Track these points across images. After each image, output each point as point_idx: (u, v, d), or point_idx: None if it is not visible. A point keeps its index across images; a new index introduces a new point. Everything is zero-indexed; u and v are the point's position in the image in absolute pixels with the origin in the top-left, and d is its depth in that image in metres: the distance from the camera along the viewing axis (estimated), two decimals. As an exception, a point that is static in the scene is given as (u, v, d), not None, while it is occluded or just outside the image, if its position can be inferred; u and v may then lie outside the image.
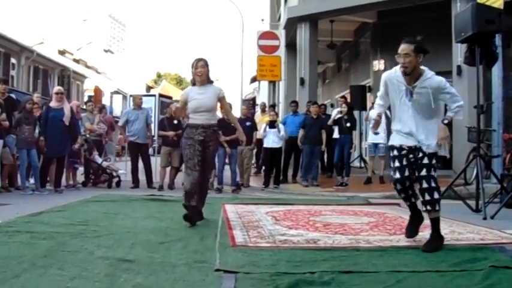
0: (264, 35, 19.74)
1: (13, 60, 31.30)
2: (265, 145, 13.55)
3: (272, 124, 13.39)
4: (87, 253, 4.71)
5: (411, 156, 5.38)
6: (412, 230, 5.64)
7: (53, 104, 11.41)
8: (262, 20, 28.89)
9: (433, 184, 5.23)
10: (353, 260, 4.60)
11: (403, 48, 5.29)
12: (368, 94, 18.66)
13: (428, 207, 5.27)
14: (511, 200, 8.57)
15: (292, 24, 18.99)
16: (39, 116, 11.49)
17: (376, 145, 13.56)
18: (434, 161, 5.35)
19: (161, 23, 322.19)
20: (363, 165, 16.87)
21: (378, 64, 18.86)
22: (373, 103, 13.79)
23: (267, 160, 13.76)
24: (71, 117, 11.46)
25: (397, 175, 5.41)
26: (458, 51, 12.92)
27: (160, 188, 12.58)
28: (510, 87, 13.51)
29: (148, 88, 67.09)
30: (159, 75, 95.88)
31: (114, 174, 13.32)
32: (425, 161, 5.30)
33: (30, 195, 10.60)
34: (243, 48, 33.38)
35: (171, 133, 12.75)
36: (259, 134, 13.88)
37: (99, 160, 13.11)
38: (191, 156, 6.92)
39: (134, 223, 6.80)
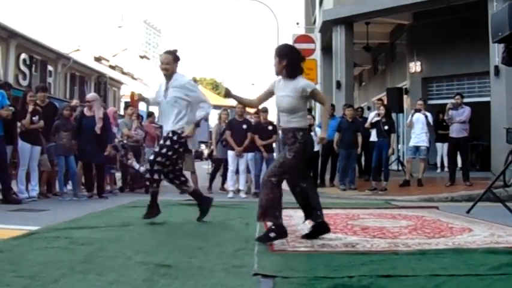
0: (299, 39, 19.76)
1: (50, 68, 31.90)
2: (301, 149, 13.40)
3: (308, 128, 13.25)
4: (125, 258, 4.73)
5: None
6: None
7: (86, 112, 11.52)
8: (298, 23, 28.90)
9: None
10: (392, 263, 4.53)
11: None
12: (405, 96, 18.52)
13: None
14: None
15: (327, 27, 18.94)
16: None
17: (417, 148, 13.41)
18: None
19: (196, 28, 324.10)
20: (400, 168, 16.71)
21: (415, 66, 18.75)
22: (415, 109, 13.70)
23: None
24: (104, 127, 11.38)
25: None
26: (496, 51, 12.75)
27: None
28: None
29: (185, 94, 67.34)
30: (194, 80, 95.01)
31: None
32: None
33: (69, 201, 10.73)
34: (278, 52, 33.19)
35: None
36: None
37: (136, 166, 13.14)
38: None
39: (172, 228, 6.83)
